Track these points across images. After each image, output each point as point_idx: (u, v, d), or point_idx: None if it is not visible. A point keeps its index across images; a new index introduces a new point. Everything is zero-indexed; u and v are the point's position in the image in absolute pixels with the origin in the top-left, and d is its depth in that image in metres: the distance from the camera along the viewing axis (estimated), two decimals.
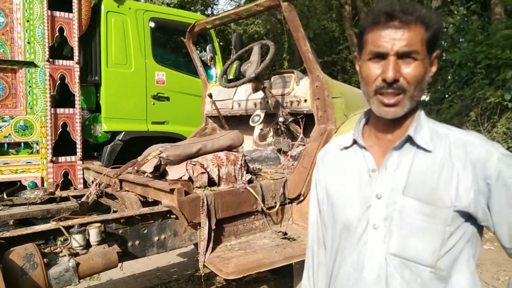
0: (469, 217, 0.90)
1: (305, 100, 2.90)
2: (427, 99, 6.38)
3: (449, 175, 0.90)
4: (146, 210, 2.28)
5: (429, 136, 0.94)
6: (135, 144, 4.52)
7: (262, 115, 3.21)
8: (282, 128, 3.16)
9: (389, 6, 0.91)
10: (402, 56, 0.90)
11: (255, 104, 3.32)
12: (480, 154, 0.90)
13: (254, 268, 2.17)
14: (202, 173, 2.32)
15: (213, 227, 2.23)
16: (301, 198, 2.67)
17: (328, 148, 1.16)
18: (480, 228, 0.95)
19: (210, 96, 3.28)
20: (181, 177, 2.27)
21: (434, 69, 0.95)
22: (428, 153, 0.93)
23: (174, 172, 2.29)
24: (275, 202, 2.57)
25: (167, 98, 5.02)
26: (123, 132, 4.65)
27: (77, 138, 4.29)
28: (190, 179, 2.27)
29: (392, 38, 0.89)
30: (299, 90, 2.96)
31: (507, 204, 0.88)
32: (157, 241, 2.35)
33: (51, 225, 1.94)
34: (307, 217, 2.69)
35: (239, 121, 3.76)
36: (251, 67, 2.78)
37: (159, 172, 2.42)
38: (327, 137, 2.73)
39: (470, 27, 6.26)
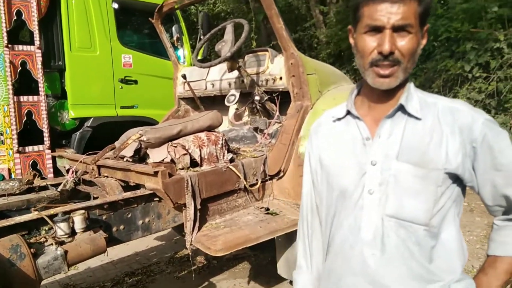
0: (456, 178, 0.97)
1: (281, 78, 2.92)
2: None
3: (439, 140, 0.96)
4: (129, 194, 2.27)
5: (419, 104, 1.00)
6: (104, 130, 4.42)
7: (237, 94, 3.21)
8: (258, 107, 3.18)
9: None
10: (397, 29, 0.93)
11: (230, 84, 3.31)
12: (466, 119, 0.96)
13: (241, 244, 2.21)
14: (184, 154, 2.32)
15: (198, 207, 2.25)
16: (281, 174, 2.73)
17: (320, 121, 1.19)
18: (464, 188, 1.02)
19: (184, 77, 3.24)
20: (163, 160, 2.26)
21: (424, 41, 0.99)
22: (418, 121, 0.98)
23: (156, 155, 2.28)
24: (257, 179, 2.61)
25: (135, 82, 4.90)
26: (92, 118, 4.51)
27: (44, 126, 4.13)
28: (172, 161, 2.27)
29: (389, 12, 0.91)
30: (274, 68, 2.97)
31: (490, 165, 0.95)
32: (141, 225, 2.36)
33: (33, 215, 1.90)
34: (287, 192, 2.76)
35: (213, 102, 3.74)
36: (226, 46, 2.77)
37: (139, 156, 2.40)
38: (304, 114, 2.78)
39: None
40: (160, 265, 3.93)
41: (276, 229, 2.41)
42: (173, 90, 3.99)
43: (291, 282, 3.11)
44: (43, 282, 1.78)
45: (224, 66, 3.23)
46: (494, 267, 1.01)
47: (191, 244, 2.21)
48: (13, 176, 3.93)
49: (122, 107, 4.80)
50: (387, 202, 0.97)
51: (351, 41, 1.04)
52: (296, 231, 1.30)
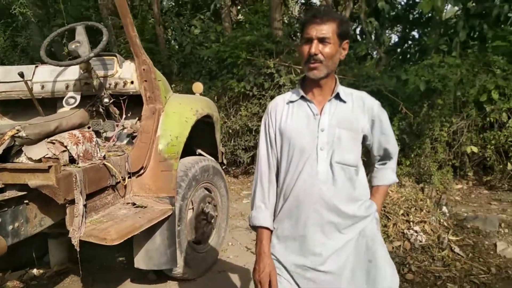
0: (363, 138, 1.60)
1: (132, 82, 3.11)
2: None
3: (357, 115, 1.54)
4: (7, 195, 2.07)
5: (344, 93, 1.58)
6: None
7: (78, 97, 3.16)
8: (101, 110, 3.23)
9: (316, 10, 1.56)
10: (321, 40, 1.44)
11: (67, 86, 3.21)
12: (370, 103, 1.57)
13: (131, 232, 2.38)
14: (63, 151, 2.27)
15: (84, 202, 2.26)
16: (142, 171, 2.93)
17: (277, 101, 1.62)
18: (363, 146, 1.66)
19: (22, 75, 2.94)
20: (43, 156, 2.16)
21: (344, 52, 1.56)
22: (344, 103, 1.56)
23: (35, 152, 2.16)
24: (122, 177, 2.74)
25: None
26: None
27: None
28: (55, 157, 2.20)
29: (316, 29, 1.46)
30: (124, 72, 3.12)
31: (379, 131, 1.59)
32: (11, 230, 2.17)
33: None
34: (148, 187, 3.02)
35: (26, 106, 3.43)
36: (82, 47, 2.77)
37: (9, 154, 2.18)
38: (158, 116, 3.07)
39: (213, 31, 7.71)
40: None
41: (151, 218, 2.63)
42: None
43: (151, 272, 3.28)
44: None
45: (55, 68, 3.15)
46: (377, 192, 1.66)
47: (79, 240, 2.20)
48: None
49: None
50: (333, 154, 1.49)
51: (299, 50, 1.58)
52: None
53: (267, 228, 1.58)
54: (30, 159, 2.18)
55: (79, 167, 2.30)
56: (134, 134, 3.24)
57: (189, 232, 3.24)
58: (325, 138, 1.50)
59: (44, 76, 3.27)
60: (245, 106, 6.22)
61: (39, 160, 2.17)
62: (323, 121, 1.51)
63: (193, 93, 4.08)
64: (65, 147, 2.30)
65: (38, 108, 3.09)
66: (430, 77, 5.47)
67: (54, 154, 2.21)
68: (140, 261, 2.92)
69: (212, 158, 3.81)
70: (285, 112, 1.58)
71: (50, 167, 2.02)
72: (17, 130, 2.09)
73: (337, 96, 1.55)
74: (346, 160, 1.50)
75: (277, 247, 1.57)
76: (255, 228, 1.61)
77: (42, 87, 3.27)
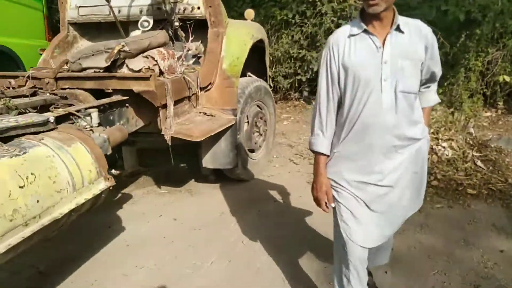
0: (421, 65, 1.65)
1: (198, 8, 3.51)
2: None
3: (416, 43, 1.59)
4: (114, 98, 2.62)
5: (402, 24, 1.59)
6: None
7: (151, 21, 3.60)
8: (170, 33, 3.67)
9: None
10: None
11: (141, 11, 3.65)
12: (425, 31, 1.61)
13: (210, 132, 2.93)
14: (155, 65, 2.78)
15: (173, 107, 2.80)
16: (209, 87, 3.43)
17: (338, 35, 1.67)
18: None
19: (108, 0, 3.37)
20: (141, 68, 2.68)
21: None
22: (403, 34, 1.58)
23: (135, 64, 2.67)
24: (196, 89, 3.25)
25: None
26: None
27: None
28: (150, 69, 2.71)
29: None
30: None
31: (430, 56, 1.63)
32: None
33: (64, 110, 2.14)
34: (214, 101, 3.51)
35: (109, 27, 3.91)
36: None
37: (116, 66, 2.71)
38: (221, 38, 3.50)
39: None
40: None
41: (221, 124, 3.18)
42: (39, 16, 3.79)
43: (211, 175, 3.92)
44: None
45: None
46: (424, 113, 1.75)
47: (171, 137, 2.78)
48: None
49: None
50: (397, 84, 1.57)
51: None
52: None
53: (324, 154, 1.74)
54: (131, 70, 2.70)
55: (167, 78, 2.81)
56: (199, 55, 3.71)
57: (245, 141, 3.80)
58: (389, 70, 1.58)
59: (121, 1, 3.70)
60: (287, 34, 6.51)
61: (139, 71, 2.68)
62: (386, 53, 1.58)
63: (245, 20, 4.43)
64: (156, 61, 2.80)
65: (120, 30, 3.56)
66: (470, 8, 5.55)
67: (149, 67, 2.72)
68: (208, 161, 3.53)
69: (262, 80, 4.26)
70: (347, 46, 1.64)
71: (150, 75, 2.52)
72: (122, 45, 2.58)
73: (397, 28, 1.60)
74: (408, 88, 1.60)
75: (341, 166, 1.72)
76: (313, 152, 1.78)
77: (119, 11, 3.71)
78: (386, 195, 1.69)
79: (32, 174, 1.45)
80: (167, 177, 4.15)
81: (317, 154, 1.75)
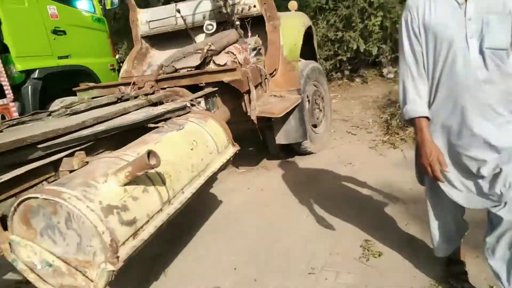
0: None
1: (254, 6, 4.01)
2: None
3: None
4: (208, 90, 3.16)
5: None
6: (47, 81, 4.62)
7: (214, 24, 4.14)
8: None
9: None
10: None
11: (204, 16, 4.19)
12: None
13: (286, 109, 3.42)
14: (235, 58, 3.30)
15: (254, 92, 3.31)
16: (274, 72, 3.93)
17: None
18: None
19: (179, 11, 3.94)
20: (226, 62, 3.21)
21: None
22: None
23: (220, 60, 3.21)
24: (266, 76, 3.75)
25: (64, 32, 5.06)
26: (37, 70, 4.60)
27: (4, 80, 4.15)
28: (232, 62, 3.23)
29: None
30: None
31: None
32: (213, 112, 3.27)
33: (183, 99, 2.69)
34: (280, 84, 4.00)
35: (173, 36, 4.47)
36: None
37: (202, 64, 3.25)
38: (278, 29, 3.98)
39: None
40: None
41: (292, 102, 3.66)
42: (105, 37, 4.38)
43: (282, 152, 4.43)
44: None
45: (192, 3, 4.12)
46: None
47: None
48: None
49: (59, 57, 4.96)
50: (483, 40, 1.49)
51: None
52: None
53: (426, 117, 1.65)
54: (218, 65, 3.24)
55: (246, 68, 3.33)
56: (258, 48, 4.22)
57: (309, 117, 4.27)
58: (474, 26, 1.50)
59: (185, 11, 4.26)
60: (322, 19, 6.92)
61: (224, 65, 3.21)
62: (469, 10, 1.51)
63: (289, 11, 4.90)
64: (235, 55, 3.32)
65: (191, 35, 4.13)
66: None
67: (231, 61, 3.25)
68: (281, 138, 4.02)
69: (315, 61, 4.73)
70: (427, 5, 1.59)
71: (236, 67, 3.04)
72: (209, 45, 3.11)
73: None
74: (496, 44, 1.50)
75: (436, 134, 1.66)
76: (411, 120, 1.68)
77: (185, 20, 4.27)
78: (487, 155, 1.57)
79: (194, 141, 1.98)
80: (241, 160, 4.68)
81: (418, 119, 1.66)
